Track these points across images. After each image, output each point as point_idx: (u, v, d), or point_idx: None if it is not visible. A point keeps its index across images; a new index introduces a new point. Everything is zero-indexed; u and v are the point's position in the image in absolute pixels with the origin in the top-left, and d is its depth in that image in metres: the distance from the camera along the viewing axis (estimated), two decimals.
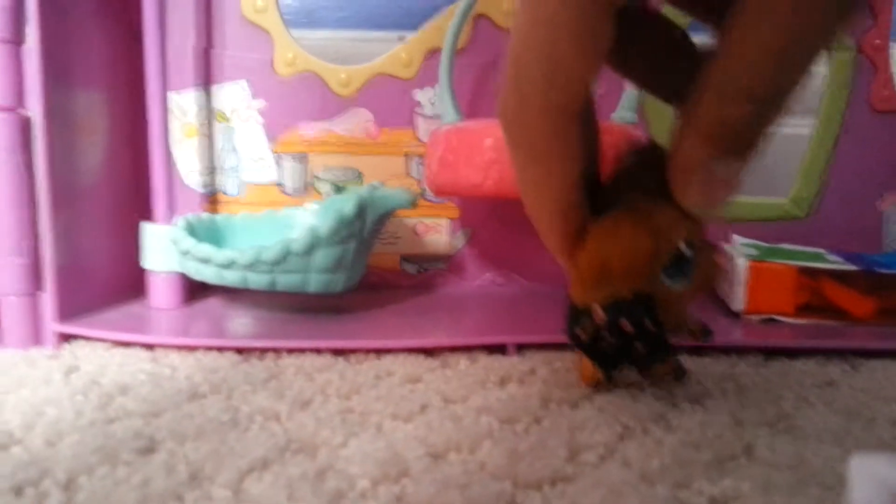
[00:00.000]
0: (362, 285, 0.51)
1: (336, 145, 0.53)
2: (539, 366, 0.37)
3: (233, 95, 0.52)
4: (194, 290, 0.48)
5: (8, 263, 0.39)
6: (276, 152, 0.53)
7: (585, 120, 0.26)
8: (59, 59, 0.41)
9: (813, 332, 0.42)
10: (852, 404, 0.32)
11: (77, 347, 0.39)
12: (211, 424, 0.29)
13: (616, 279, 0.27)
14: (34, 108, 0.39)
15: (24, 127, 0.39)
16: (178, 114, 0.50)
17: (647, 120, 0.51)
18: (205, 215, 0.47)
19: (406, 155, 0.53)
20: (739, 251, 0.46)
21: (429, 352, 0.39)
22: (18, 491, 0.23)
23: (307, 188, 0.53)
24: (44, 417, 0.29)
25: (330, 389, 0.33)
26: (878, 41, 0.52)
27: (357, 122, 0.53)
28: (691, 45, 0.27)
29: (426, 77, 0.52)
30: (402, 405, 0.31)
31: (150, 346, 0.39)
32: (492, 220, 0.54)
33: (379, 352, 0.39)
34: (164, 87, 0.47)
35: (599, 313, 0.28)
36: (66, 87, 0.42)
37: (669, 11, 0.27)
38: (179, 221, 0.43)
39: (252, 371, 0.35)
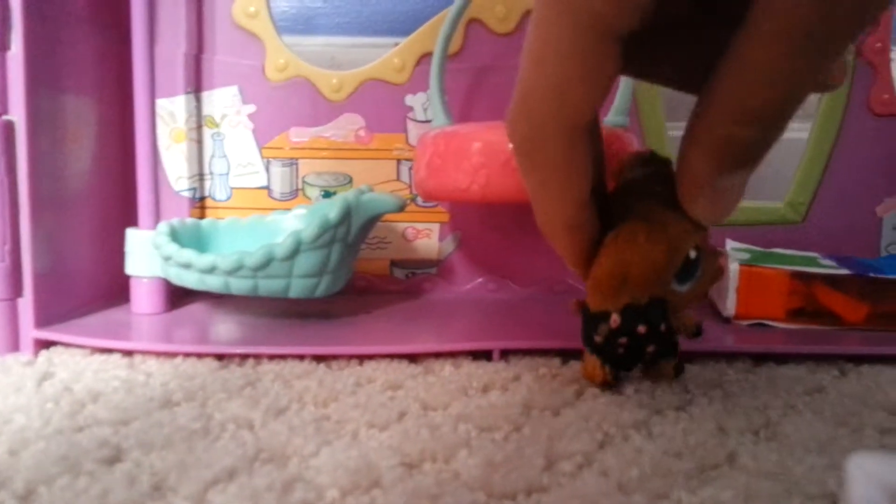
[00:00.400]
0: (350, 290, 0.51)
1: (327, 150, 0.52)
2: (524, 372, 0.37)
3: (223, 101, 0.52)
4: (178, 296, 0.48)
5: None
6: (265, 157, 0.52)
7: (593, 133, 0.27)
8: (45, 65, 0.41)
9: (803, 337, 0.41)
10: (840, 412, 0.31)
11: (55, 354, 0.38)
12: (180, 433, 0.28)
13: (633, 287, 0.28)
14: (17, 112, 0.39)
15: (7, 132, 0.39)
16: (167, 119, 0.50)
17: (641, 124, 0.51)
18: (189, 220, 0.46)
19: (397, 160, 0.52)
20: (732, 255, 0.45)
21: (413, 358, 0.39)
22: None
23: (296, 193, 0.52)
24: (10, 425, 0.28)
25: (307, 396, 0.32)
26: (878, 45, 0.51)
27: (348, 128, 0.52)
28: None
29: (418, 82, 0.52)
30: (380, 413, 0.31)
31: (128, 353, 0.38)
32: (482, 224, 0.53)
33: (361, 358, 0.38)
34: (153, 92, 0.46)
35: (616, 319, 0.29)
36: (52, 93, 0.42)
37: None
38: (162, 226, 0.43)
39: (230, 378, 0.35)
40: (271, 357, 0.38)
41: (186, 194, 0.51)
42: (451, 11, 0.47)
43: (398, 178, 0.52)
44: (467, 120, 0.50)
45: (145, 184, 0.46)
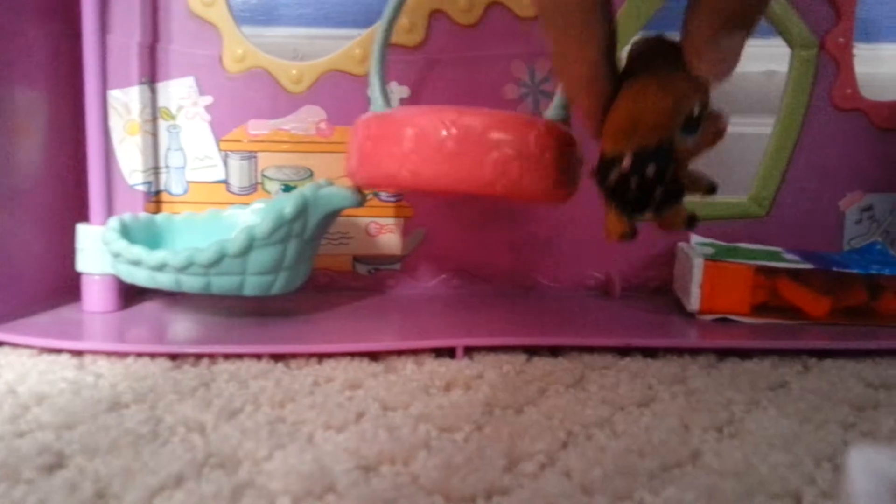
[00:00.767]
0: (311, 287, 0.50)
1: (287, 143, 0.51)
2: (487, 369, 0.36)
3: (179, 92, 0.50)
4: (132, 294, 0.46)
5: None
6: (223, 151, 0.51)
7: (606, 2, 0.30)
8: None
9: (767, 331, 0.41)
10: (804, 407, 0.31)
11: (1, 354, 0.37)
12: (127, 437, 0.27)
13: (643, 131, 0.31)
14: None
15: None
16: (121, 111, 0.49)
17: None
18: (142, 215, 0.45)
19: None
20: (696, 250, 0.45)
21: (374, 356, 0.38)
22: None
23: (256, 187, 0.51)
24: None
25: (263, 397, 0.31)
26: (841, 39, 0.51)
27: (309, 120, 0.51)
28: None
29: None
30: (337, 414, 0.30)
31: (78, 353, 0.37)
32: (447, 220, 0.52)
33: (320, 357, 0.37)
34: (104, 83, 0.45)
35: (628, 161, 0.32)
36: (1, 86, 0.40)
37: None
38: (112, 221, 0.42)
39: (182, 378, 0.33)
40: (227, 356, 0.37)
41: (141, 188, 0.49)
42: None
43: None
44: None
45: (97, 177, 0.44)
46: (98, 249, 0.43)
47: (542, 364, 0.37)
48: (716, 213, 0.52)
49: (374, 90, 0.43)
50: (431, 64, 0.50)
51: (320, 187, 0.42)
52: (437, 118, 0.37)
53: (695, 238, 0.48)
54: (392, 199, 0.52)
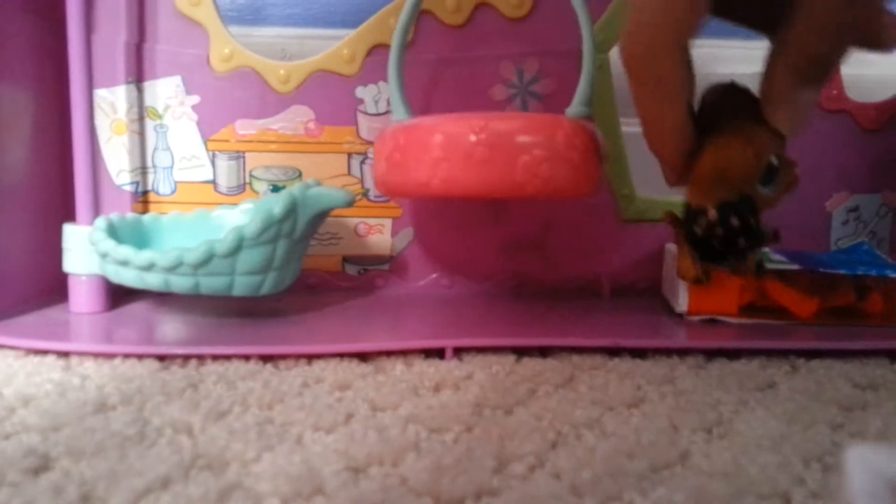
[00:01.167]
0: (300, 287, 0.50)
1: (275, 143, 0.51)
2: (477, 370, 0.36)
3: (166, 92, 0.50)
4: (120, 295, 0.46)
5: None
6: (211, 150, 0.50)
7: (690, 51, 0.32)
8: None
9: (755, 332, 0.41)
10: (792, 408, 0.31)
11: None
12: (114, 439, 0.27)
13: (728, 185, 0.34)
14: None
15: None
16: (107, 111, 0.48)
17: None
18: (129, 215, 0.44)
19: (348, 153, 0.51)
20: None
21: (363, 357, 0.38)
22: None
23: (244, 188, 0.51)
24: None
25: (251, 399, 0.31)
26: None
27: (297, 120, 0.51)
28: None
29: (369, 74, 0.50)
30: (326, 415, 0.30)
31: (64, 354, 0.37)
32: (436, 220, 0.52)
33: (310, 357, 0.37)
34: (90, 82, 0.44)
35: (713, 212, 0.34)
36: None
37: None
38: (99, 221, 0.41)
39: (170, 380, 0.33)
40: (215, 357, 0.36)
41: (128, 188, 0.49)
42: (408, 1, 0.46)
43: (349, 173, 0.51)
44: (420, 113, 0.48)
45: (83, 177, 0.44)
46: (85, 250, 0.42)
47: (531, 365, 0.37)
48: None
49: (394, 98, 0.43)
50: (420, 65, 0.50)
51: (309, 187, 0.42)
52: (465, 125, 0.37)
53: None
54: (381, 199, 0.52)
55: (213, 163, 0.51)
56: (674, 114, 0.33)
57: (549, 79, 0.50)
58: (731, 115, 0.34)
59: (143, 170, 0.50)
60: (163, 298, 0.47)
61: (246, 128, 0.50)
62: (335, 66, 0.50)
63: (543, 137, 0.37)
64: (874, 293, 0.43)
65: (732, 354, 0.39)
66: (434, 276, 0.53)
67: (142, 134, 0.50)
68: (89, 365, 0.35)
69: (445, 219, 0.52)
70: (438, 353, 0.38)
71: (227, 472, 0.25)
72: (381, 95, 0.50)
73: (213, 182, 0.51)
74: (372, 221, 0.52)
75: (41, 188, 0.45)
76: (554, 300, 0.50)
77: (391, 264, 0.53)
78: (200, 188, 0.51)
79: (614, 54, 0.50)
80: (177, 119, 0.50)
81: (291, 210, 0.40)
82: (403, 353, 0.38)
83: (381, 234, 0.52)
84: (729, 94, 0.36)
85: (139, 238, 0.44)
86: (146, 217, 0.46)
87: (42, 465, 0.25)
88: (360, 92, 0.51)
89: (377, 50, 0.50)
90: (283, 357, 0.37)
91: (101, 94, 0.47)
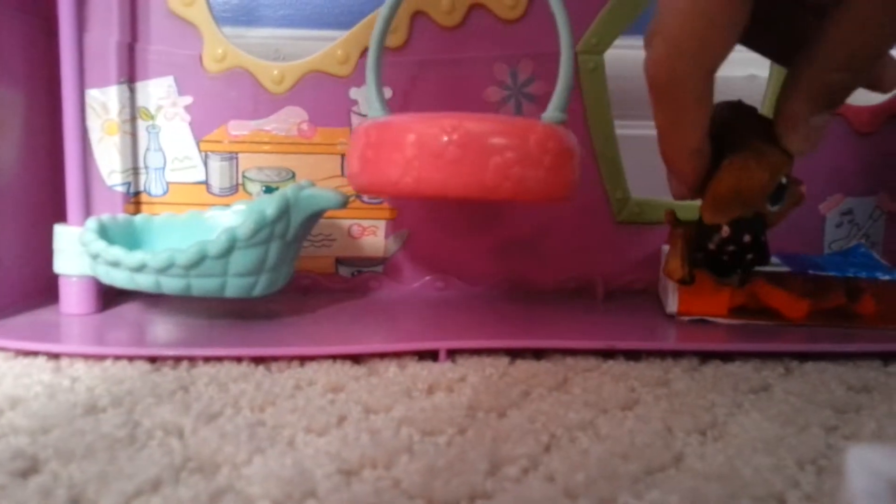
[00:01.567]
0: (293, 289, 0.49)
1: (268, 144, 0.51)
2: (470, 372, 0.36)
3: (158, 92, 0.50)
4: (111, 296, 0.46)
5: None
6: (203, 151, 0.50)
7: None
8: None
9: (749, 334, 0.41)
10: (786, 410, 0.31)
11: None
12: (104, 441, 0.26)
13: (744, 203, 0.35)
14: None
15: None
16: (99, 111, 0.48)
17: (587, 122, 0.50)
18: (121, 216, 0.44)
19: (342, 155, 0.51)
20: None
21: (356, 359, 0.37)
22: None
23: (236, 189, 0.51)
24: None
25: (243, 401, 0.31)
26: None
27: (290, 121, 0.51)
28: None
29: (363, 75, 0.50)
30: (319, 417, 0.29)
31: (55, 356, 0.36)
32: (430, 222, 0.52)
33: (302, 359, 0.37)
34: (82, 82, 0.44)
35: (727, 229, 0.36)
36: None
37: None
38: (90, 222, 0.41)
39: (161, 382, 0.33)
40: (207, 359, 0.36)
41: (120, 189, 0.49)
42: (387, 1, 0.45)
43: (342, 174, 0.51)
44: (404, 112, 0.48)
45: (74, 178, 0.44)
46: (76, 251, 0.42)
47: (525, 367, 0.37)
48: (695, 216, 0.52)
49: (371, 96, 0.43)
50: (414, 66, 0.50)
51: (302, 188, 0.42)
52: (437, 124, 0.37)
53: None
54: (375, 201, 0.51)
55: (205, 164, 0.50)
56: (696, 137, 0.33)
57: (543, 80, 0.50)
58: (743, 135, 0.35)
59: (135, 170, 0.50)
60: (154, 300, 0.46)
61: (239, 128, 0.50)
62: (329, 67, 0.50)
63: (516, 140, 0.37)
64: (866, 295, 0.43)
65: (726, 357, 0.39)
66: (428, 277, 0.53)
67: (134, 134, 0.50)
68: (80, 366, 0.35)
69: (439, 221, 0.52)
70: (432, 356, 0.38)
71: (219, 474, 0.25)
72: (367, 95, 0.50)
73: (206, 183, 0.50)
74: (365, 223, 0.52)
75: (32, 188, 0.45)
76: (548, 302, 0.50)
77: (385, 266, 0.52)
78: (193, 189, 0.50)
79: (609, 56, 0.50)
80: (169, 120, 0.50)
81: (284, 211, 0.40)
82: (397, 354, 0.38)
83: (374, 235, 0.52)
84: (737, 113, 0.36)
85: (131, 239, 0.44)
86: (138, 218, 0.45)
87: (31, 468, 0.24)
88: (354, 93, 0.51)
89: (384, 55, 0.50)
90: (276, 359, 0.37)
91: (92, 94, 0.47)
